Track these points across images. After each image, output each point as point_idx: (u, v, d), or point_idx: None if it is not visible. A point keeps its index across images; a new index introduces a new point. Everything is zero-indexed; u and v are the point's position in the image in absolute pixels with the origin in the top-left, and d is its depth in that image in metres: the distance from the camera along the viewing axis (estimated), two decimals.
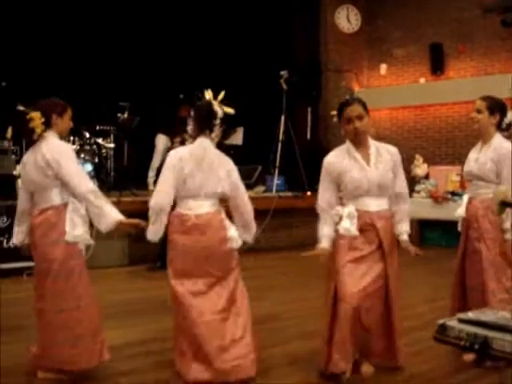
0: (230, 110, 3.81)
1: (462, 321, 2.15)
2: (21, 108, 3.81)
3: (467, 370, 3.94)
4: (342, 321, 3.62)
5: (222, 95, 3.81)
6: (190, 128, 3.96)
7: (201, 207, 3.68)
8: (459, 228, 4.43)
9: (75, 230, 3.73)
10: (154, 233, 3.68)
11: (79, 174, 3.75)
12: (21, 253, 4.13)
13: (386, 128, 11.66)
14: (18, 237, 4.01)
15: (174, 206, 3.77)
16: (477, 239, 4.19)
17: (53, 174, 3.70)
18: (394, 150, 3.86)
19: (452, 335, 2.12)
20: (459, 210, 4.38)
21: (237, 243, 3.77)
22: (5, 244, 7.09)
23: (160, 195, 3.65)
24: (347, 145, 3.80)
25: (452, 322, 2.15)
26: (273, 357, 4.27)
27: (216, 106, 3.74)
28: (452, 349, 4.14)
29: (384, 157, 3.78)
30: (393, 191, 3.84)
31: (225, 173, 3.72)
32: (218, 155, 3.76)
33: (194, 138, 3.80)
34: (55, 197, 3.75)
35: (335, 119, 3.83)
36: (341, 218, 3.73)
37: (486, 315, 2.19)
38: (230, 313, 3.70)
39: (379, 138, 11.55)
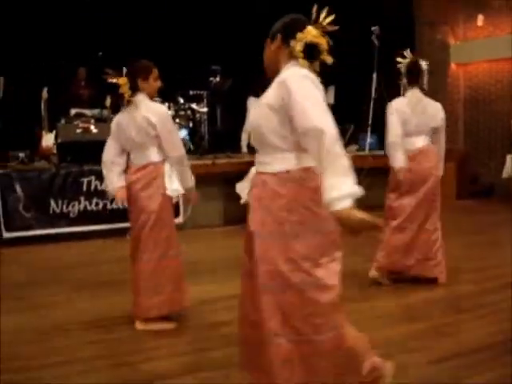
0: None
1: None
2: (113, 80, 4.06)
3: None
4: None
5: None
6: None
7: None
8: None
9: (173, 184, 4.07)
10: None
11: (171, 140, 4.03)
12: (108, 197, 4.52)
13: (484, 82, 11.21)
14: (113, 184, 4.19)
15: None
16: None
17: (154, 134, 3.98)
18: (291, 76, 2.34)
19: None
20: None
21: None
22: (108, 206, 7.49)
23: None
24: None
25: None
26: None
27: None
28: None
29: (274, 88, 2.40)
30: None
31: None
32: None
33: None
34: (154, 154, 4.06)
35: None
36: None
37: None
38: None
39: (477, 92, 11.19)
